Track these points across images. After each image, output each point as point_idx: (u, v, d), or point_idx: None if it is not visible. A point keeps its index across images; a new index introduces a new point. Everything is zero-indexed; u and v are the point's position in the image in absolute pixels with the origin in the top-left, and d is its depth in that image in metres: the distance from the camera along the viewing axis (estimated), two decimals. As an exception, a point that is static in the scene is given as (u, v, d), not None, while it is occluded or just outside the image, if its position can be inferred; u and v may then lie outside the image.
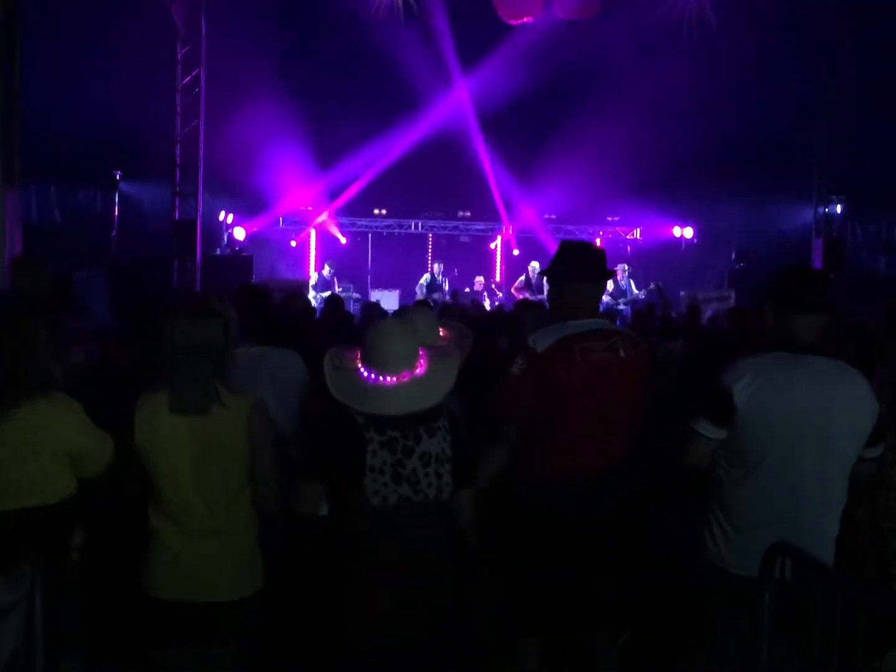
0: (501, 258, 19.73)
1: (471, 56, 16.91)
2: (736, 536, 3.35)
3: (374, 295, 16.64)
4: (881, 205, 17.39)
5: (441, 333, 4.14)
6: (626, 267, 16.33)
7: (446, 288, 16.75)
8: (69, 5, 14.38)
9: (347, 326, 8.16)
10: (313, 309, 11.03)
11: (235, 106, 15.95)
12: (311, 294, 15.49)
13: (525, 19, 15.99)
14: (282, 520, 3.46)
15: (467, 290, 16.69)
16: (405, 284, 17.41)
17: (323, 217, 18.29)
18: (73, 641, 3.36)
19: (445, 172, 17.52)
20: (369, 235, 19.01)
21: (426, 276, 16.85)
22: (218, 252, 16.34)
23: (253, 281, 13.42)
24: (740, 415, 3.27)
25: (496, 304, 16.01)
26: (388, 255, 18.88)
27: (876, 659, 2.92)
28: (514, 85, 16.93)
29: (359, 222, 19.01)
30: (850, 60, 15.69)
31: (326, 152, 17.21)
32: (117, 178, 13.51)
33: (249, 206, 17.66)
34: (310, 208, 18.57)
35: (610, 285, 15.52)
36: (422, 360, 3.21)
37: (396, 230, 19.19)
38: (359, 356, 3.22)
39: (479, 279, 17.30)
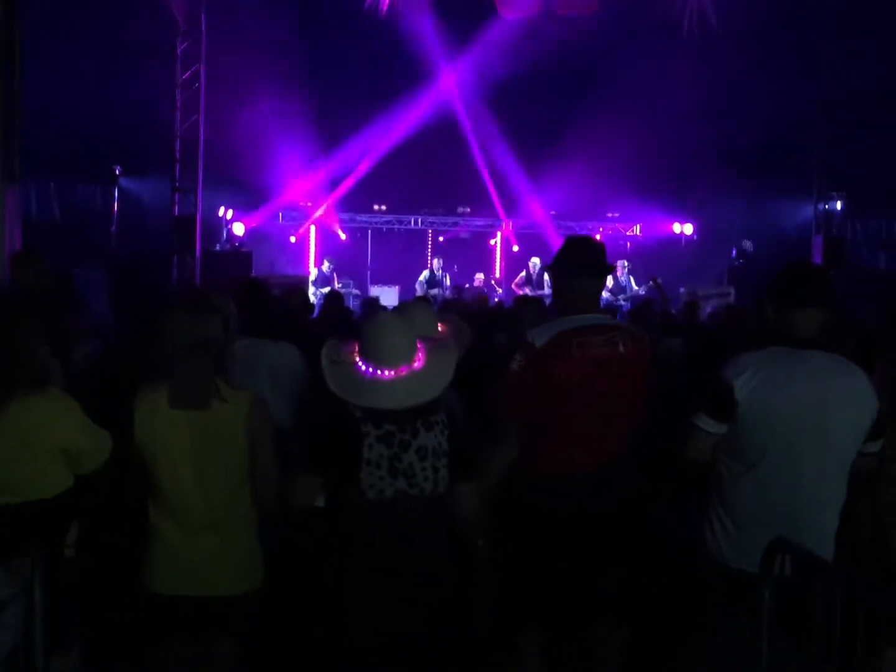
0: (501, 254, 19.72)
1: (470, 53, 16.87)
2: (736, 531, 3.35)
3: (374, 291, 16.63)
4: (881, 202, 17.38)
5: (439, 328, 4.14)
6: (626, 263, 16.33)
7: (447, 283, 16.74)
8: (69, 2, 14.37)
9: (347, 322, 8.15)
10: (312, 305, 11.03)
11: (235, 101, 15.93)
12: (311, 290, 15.48)
13: (525, 16, 15.95)
14: (281, 514, 3.46)
15: (467, 285, 16.65)
16: (405, 280, 17.40)
17: (321, 211, 18.26)
18: (71, 637, 3.35)
19: (445, 169, 17.50)
20: (369, 231, 18.99)
21: (425, 273, 16.84)
22: (217, 248, 16.33)
23: (252, 277, 13.39)
24: (741, 410, 3.27)
25: (496, 300, 16.00)
26: (387, 251, 18.86)
27: (875, 657, 2.92)
28: (514, 82, 16.92)
29: (358, 218, 18.99)
30: (850, 58, 15.67)
31: (326, 148, 17.20)
32: (117, 173, 13.51)
33: (249, 202, 17.65)
34: (309, 204, 18.55)
35: (610, 281, 15.51)
36: (420, 354, 3.21)
37: (396, 226, 19.17)
38: (356, 350, 3.21)
39: (479, 276, 17.29)
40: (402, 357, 3.16)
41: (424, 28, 16.54)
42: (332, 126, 17.13)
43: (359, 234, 19.15)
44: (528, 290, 15.56)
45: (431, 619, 3.20)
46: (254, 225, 17.55)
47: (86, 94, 15.26)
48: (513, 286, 16.46)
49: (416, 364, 3.18)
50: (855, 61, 15.61)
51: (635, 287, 15.83)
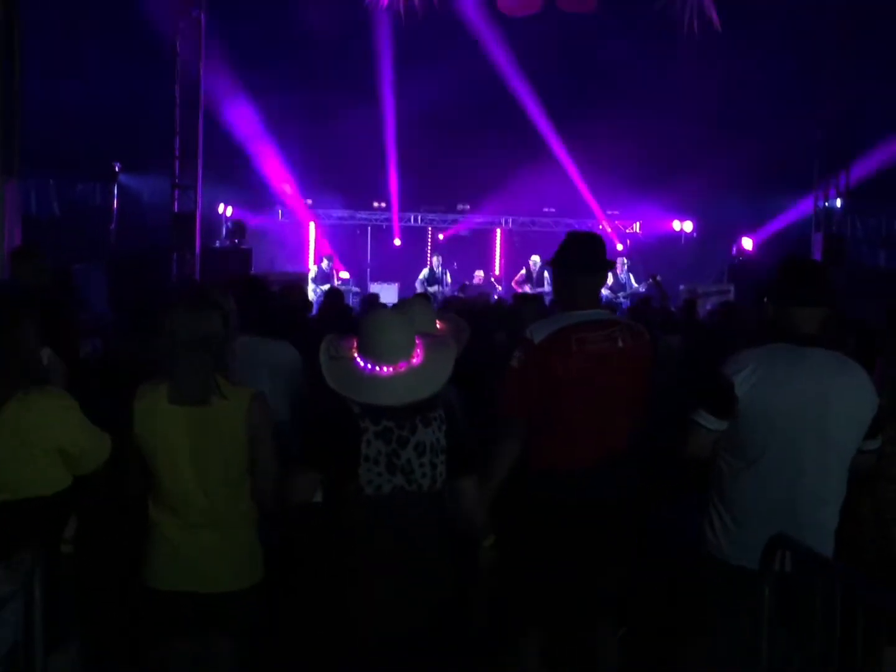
0: (501, 252, 19.72)
1: (470, 51, 16.85)
2: (736, 528, 3.35)
3: (374, 288, 16.63)
4: (881, 199, 17.38)
5: (438, 326, 4.14)
6: (626, 260, 16.32)
7: (448, 280, 16.74)
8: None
9: (347, 319, 8.15)
10: (310, 302, 11.04)
11: (235, 97, 15.93)
12: (311, 287, 15.49)
13: (525, 12, 15.94)
14: (280, 510, 3.46)
15: (467, 282, 16.64)
16: (404, 277, 17.40)
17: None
18: (70, 635, 3.35)
19: (445, 166, 17.48)
20: (368, 228, 18.99)
21: (425, 271, 16.84)
22: (217, 244, 16.32)
23: (252, 273, 13.39)
24: (741, 406, 3.27)
25: (495, 297, 16.00)
26: (387, 248, 18.86)
27: (875, 654, 2.92)
28: (513, 78, 16.92)
29: (358, 215, 18.99)
30: (850, 55, 15.65)
31: (326, 144, 17.17)
32: (116, 170, 13.49)
33: (249, 199, 17.65)
34: (309, 201, 18.55)
35: (609, 279, 15.52)
36: (418, 351, 3.20)
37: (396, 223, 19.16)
38: (355, 346, 3.21)
39: (479, 273, 17.28)
40: (401, 353, 3.15)
41: (424, 23, 16.51)
42: (332, 122, 17.10)
43: (358, 231, 19.15)
44: (528, 288, 15.56)
45: (430, 617, 3.20)
46: (254, 222, 17.54)
47: (85, 90, 15.28)
48: (513, 284, 16.46)
49: (414, 360, 3.17)
50: (855, 56, 15.58)
51: (635, 284, 15.83)
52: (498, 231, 19.63)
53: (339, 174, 17.87)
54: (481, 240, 19.79)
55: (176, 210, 14.98)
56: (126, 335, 5.21)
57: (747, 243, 17.08)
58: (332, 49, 16.89)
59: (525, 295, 9.65)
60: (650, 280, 14.22)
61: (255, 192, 17.72)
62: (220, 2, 15.08)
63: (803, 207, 17.38)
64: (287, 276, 14.46)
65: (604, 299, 13.44)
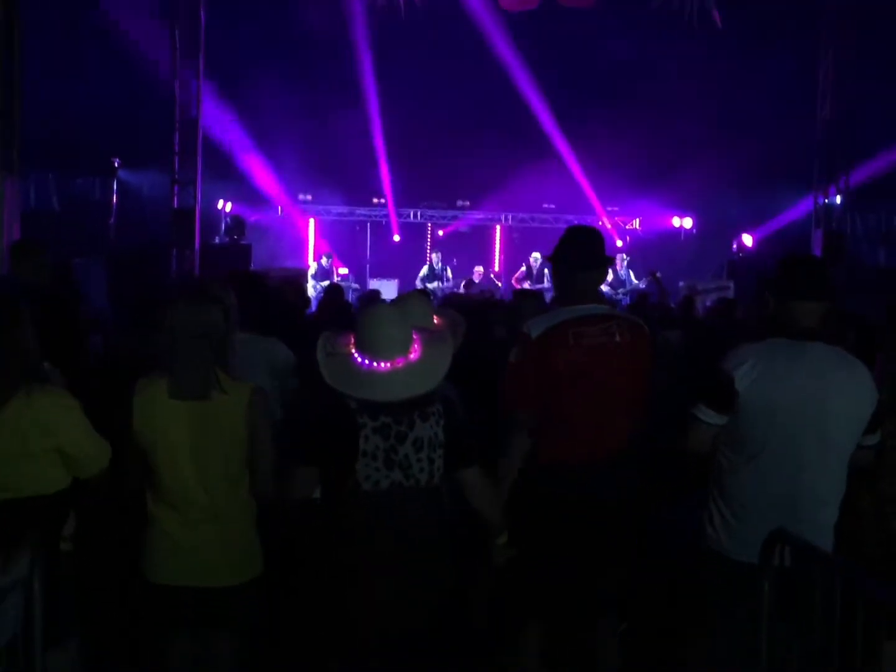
0: (500, 248, 19.71)
1: (470, 47, 16.83)
2: (736, 523, 3.36)
3: (373, 284, 16.63)
4: (881, 196, 17.37)
5: (435, 321, 4.13)
6: (626, 257, 16.32)
7: (449, 275, 16.74)
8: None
9: (346, 316, 8.15)
10: (308, 299, 11.04)
11: (234, 93, 15.92)
12: (311, 283, 15.49)
13: (525, 8, 15.91)
14: (279, 506, 3.46)
15: (473, 279, 16.62)
16: (404, 274, 17.40)
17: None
18: (69, 633, 3.35)
19: (445, 162, 17.47)
20: (368, 224, 18.98)
21: (425, 268, 16.85)
22: (217, 240, 16.31)
23: (251, 269, 13.37)
24: (741, 401, 3.28)
25: (498, 296, 15.99)
26: (386, 244, 18.85)
27: (875, 649, 2.92)
28: (514, 75, 16.91)
29: (357, 211, 18.98)
30: (850, 51, 15.65)
31: (325, 141, 17.16)
32: (116, 165, 13.47)
33: (248, 195, 17.64)
34: (309, 197, 18.54)
35: (609, 275, 15.51)
36: (415, 346, 3.20)
37: (396, 219, 19.13)
38: (352, 342, 3.21)
39: (479, 269, 17.28)
40: (398, 349, 3.15)
41: (424, 19, 16.51)
42: (332, 120, 17.10)
43: (357, 228, 19.14)
44: (527, 285, 15.56)
45: (429, 615, 3.20)
46: (253, 218, 17.54)
47: (85, 86, 15.25)
48: (513, 281, 16.46)
49: (412, 356, 3.17)
50: (855, 53, 15.58)
51: (635, 281, 15.83)
52: (497, 227, 19.61)
53: (338, 171, 17.87)
54: (481, 236, 19.78)
55: (175, 206, 14.97)
56: (126, 330, 5.22)
57: (747, 240, 17.07)
58: (331, 46, 16.87)
59: (524, 291, 9.67)
60: (650, 277, 14.22)
61: (254, 189, 17.71)
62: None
63: (803, 204, 17.37)
64: (287, 272, 14.45)
65: (606, 296, 13.46)
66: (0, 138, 9.18)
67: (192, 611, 3.37)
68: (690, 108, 16.22)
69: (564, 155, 17.93)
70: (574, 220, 18.47)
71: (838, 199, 16.48)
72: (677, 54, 16.12)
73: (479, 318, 5.76)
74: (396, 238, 18.83)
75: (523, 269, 16.52)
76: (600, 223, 18.89)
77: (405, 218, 19.13)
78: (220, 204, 16.86)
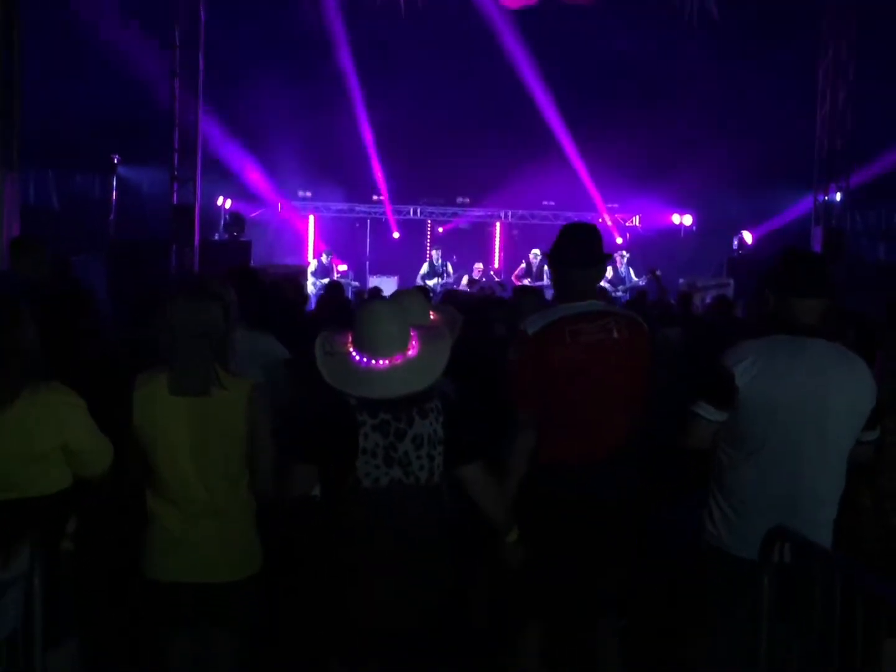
0: (500, 245, 19.71)
1: (470, 44, 16.83)
2: (736, 519, 3.36)
3: (373, 281, 16.63)
4: (881, 193, 17.38)
5: (432, 317, 4.12)
6: (625, 254, 16.31)
7: (450, 271, 16.73)
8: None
9: (346, 313, 8.14)
10: (307, 296, 11.03)
11: (234, 90, 15.91)
12: (311, 280, 15.49)
13: (525, 5, 15.90)
14: (278, 503, 3.46)
15: (479, 277, 16.61)
16: (404, 271, 17.40)
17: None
18: (69, 633, 3.35)
19: (444, 159, 17.47)
20: (368, 221, 18.98)
21: (425, 266, 16.85)
22: (216, 237, 16.31)
23: (251, 266, 13.37)
24: (741, 397, 3.28)
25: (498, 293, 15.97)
26: (386, 241, 18.85)
27: (875, 646, 2.92)
28: (514, 73, 16.90)
29: (357, 208, 18.98)
30: (851, 50, 15.64)
31: (325, 138, 17.16)
32: (115, 162, 13.47)
33: (248, 192, 17.64)
34: (308, 194, 18.54)
35: (609, 272, 15.51)
36: (413, 342, 3.20)
37: (395, 217, 19.14)
38: (350, 340, 3.21)
39: (478, 265, 17.28)
40: (396, 346, 3.14)
41: (423, 16, 16.49)
42: (331, 116, 17.10)
43: (357, 224, 19.13)
44: (527, 282, 15.55)
45: (428, 611, 3.20)
46: (253, 215, 17.54)
47: (84, 82, 15.25)
48: (513, 278, 16.45)
49: (410, 352, 3.16)
50: (855, 51, 15.57)
51: (634, 278, 15.82)
52: (497, 224, 19.62)
53: (337, 167, 17.88)
54: (481, 233, 19.79)
55: (175, 202, 14.97)
56: (125, 327, 5.21)
57: (747, 237, 17.07)
58: (331, 43, 16.88)
59: (524, 287, 9.66)
60: (649, 275, 14.22)
61: (253, 185, 17.71)
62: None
63: (803, 202, 17.37)
64: (287, 268, 14.45)
65: (608, 293, 13.48)
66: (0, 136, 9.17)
67: (192, 608, 3.37)
68: (691, 106, 16.22)
69: (565, 152, 17.93)
70: (574, 217, 18.46)
71: (838, 197, 16.47)
72: (678, 52, 16.13)
73: (478, 315, 5.77)
74: (396, 235, 18.83)
75: (523, 265, 16.51)
76: (600, 220, 18.90)
77: (405, 215, 19.13)
78: (220, 200, 16.85)
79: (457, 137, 17.13)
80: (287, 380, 4.47)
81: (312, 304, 11.55)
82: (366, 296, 13.58)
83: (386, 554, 3.13)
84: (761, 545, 2.96)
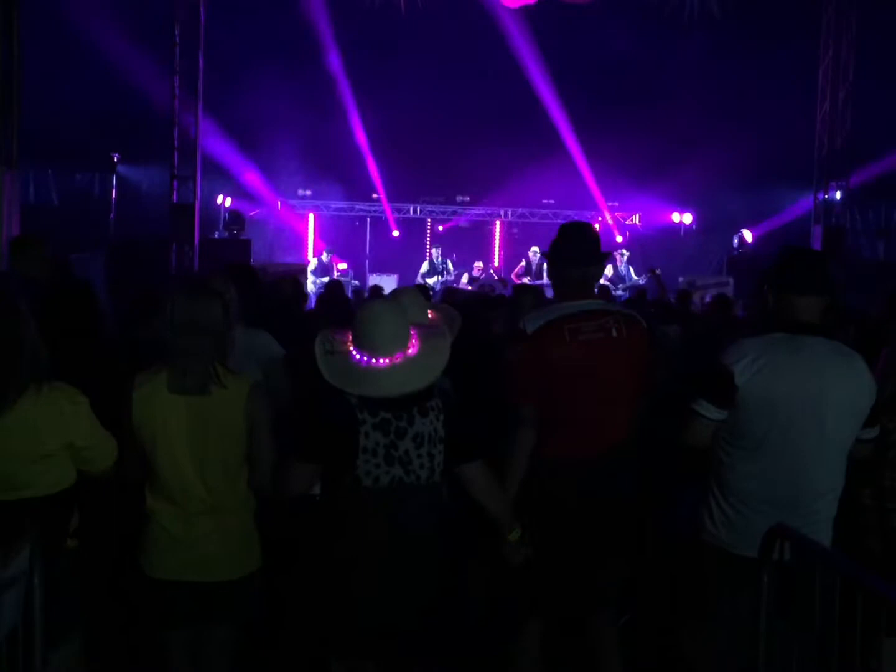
0: (500, 243, 19.72)
1: (471, 43, 16.83)
2: (735, 516, 3.36)
3: (373, 280, 16.63)
4: (880, 191, 17.39)
5: (430, 315, 4.12)
6: (626, 253, 16.31)
7: (450, 268, 16.73)
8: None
9: (346, 312, 8.14)
10: (305, 294, 11.02)
11: (234, 89, 15.91)
12: (311, 279, 15.48)
13: (525, 3, 15.91)
14: (278, 501, 3.46)
15: (481, 276, 16.62)
16: (404, 269, 17.40)
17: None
18: (73, 629, 3.35)
19: (444, 157, 17.48)
20: (367, 220, 18.98)
21: (425, 264, 16.85)
22: (216, 235, 16.32)
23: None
24: (741, 396, 3.27)
25: (497, 291, 15.96)
26: (386, 239, 18.86)
27: (874, 644, 2.93)
28: (514, 71, 16.91)
29: (357, 206, 18.98)
30: (851, 48, 15.65)
31: (325, 136, 17.16)
32: (115, 160, 13.48)
33: (247, 191, 17.64)
34: (308, 192, 18.54)
35: (609, 271, 15.53)
36: (414, 341, 3.19)
37: (395, 215, 19.15)
38: (350, 339, 3.20)
39: (478, 264, 17.28)
40: (397, 344, 3.14)
41: (423, 15, 16.51)
42: (331, 115, 17.10)
43: (357, 223, 19.14)
44: (527, 280, 15.54)
45: (426, 609, 3.20)
46: (252, 213, 17.55)
47: (84, 81, 15.25)
48: (512, 276, 16.44)
49: (410, 351, 3.16)
50: (855, 50, 15.58)
51: (634, 277, 15.81)
52: (497, 223, 19.63)
53: (337, 166, 17.88)
54: (481, 232, 19.80)
55: (175, 201, 14.97)
56: (125, 325, 5.21)
57: (747, 236, 17.08)
58: (331, 41, 16.88)
59: (524, 286, 9.66)
60: (649, 274, 14.23)
61: (253, 184, 17.71)
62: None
63: (803, 200, 17.38)
64: (287, 267, 14.46)
65: (610, 291, 13.49)
66: (-1, 133, 9.19)
67: (191, 606, 3.37)
68: (691, 104, 16.22)
69: (565, 150, 17.94)
70: (574, 215, 18.47)
71: (838, 195, 16.49)
72: (678, 51, 16.13)
73: (476, 314, 5.77)
74: (395, 234, 18.84)
75: (522, 264, 16.51)
76: (601, 219, 18.91)
77: (405, 213, 19.14)
78: (220, 199, 16.86)
79: (457, 136, 17.14)
80: (284, 378, 4.47)
81: (312, 302, 11.55)
82: (366, 294, 13.61)
83: (385, 552, 3.12)
84: (761, 543, 2.96)
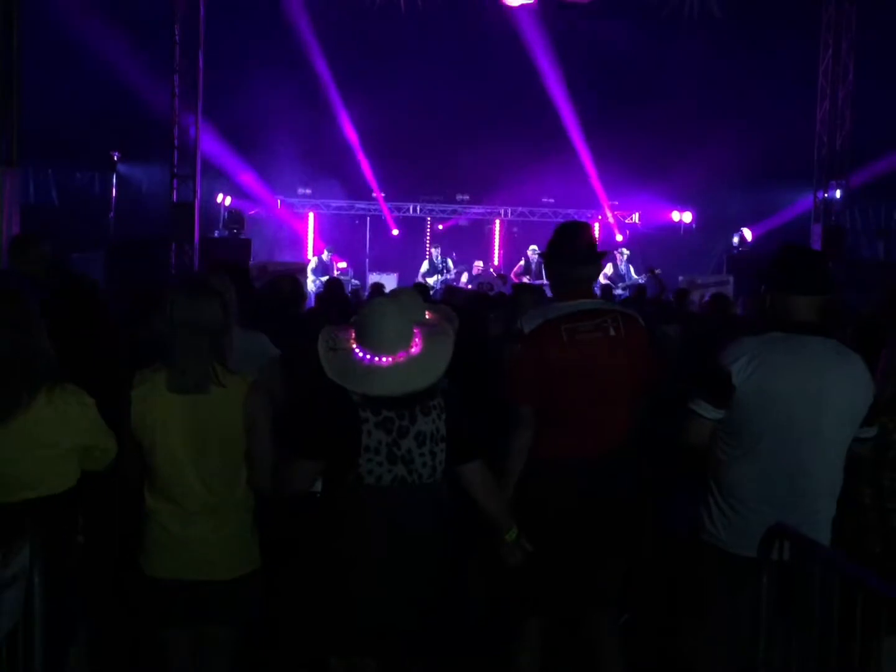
0: (500, 242, 19.71)
1: (471, 42, 16.83)
2: (733, 516, 3.36)
3: (373, 278, 16.62)
4: (880, 191, 17.39)
5: (427, 315, 4.11)
6: (625, 251, 16.31)
7: (450, 266, 16.72)
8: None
9: (345, 311, 8.14)
10: (304, 294, 11.01)
11: (234, 87, 15.91)
12: (311, 278, 15.48)
13: (524, 2, 15.90)
14: (277, 500, 3.46)
15: (480, 275, 16.60)
16: (403, 268, 17.40)
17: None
18: (79, 625, 3.35)
19: (444, 156, 17.47)
20: (367, 219, 18.97)
21: (425, 263, 16.84)
22: (216, 234, 16.31)
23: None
24: (739, 395, 3.27)
25: (496, 290, 15.96)
26: (386, 238, 18.85)
27: (873, 644, 2.93)
28: (514, 70, 16.90)
29: (357, 205, 18.98)
30: (851, 48, 15.65)
31: (325, 135, 17.16)
32: (115, 159, 13.48)
33: (247, 190, 17.64)
34: (308, 191, 18.53)
35: (609, 269, 15.53)
36: (417, 339, 3.19)
37: (394, 214, 19.14)
38: (353, 336, 3.20)
39: (478, 263, 17.28)
40: (400, 343, 3.14)
41: (423, 13, 16.51)
42: (331, 114, 17.10)
43: (357, 222, 19.13)
44: (527, 279, 15.54)
45: (425, 609, 3.20)
46: (252, 212, 17.54)
47: (84, 80, 15.26)
48: (511, 275, 16.44)
49: (413, 349, 3.15)
50: (855, 49, 15.59)
51: (634, 275, 15.81)
52: (497, 222, 19.62)
53: (337, 165, 17.88)
54: (480, 230, 19.80)
55: (175, 200, 14.96)
56: (125, 325, 5.20)
57: (747, 234, 17.08)
58: (331, 39, 16.87)
59: (524, 285, 9.65)
60: (649, 273, 14.24)
61: (252, 183, 17.71)
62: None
63: (803, 199, 17.38)
64: (287, 266, 14.45)
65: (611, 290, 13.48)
66: (-1, 132, 9.19)
67: (190, 605, 3.36)
68: (691, 103, 16.23)
69: (565, 149, 17.93)
70: (574, 214, 18.48)
71: (838, 194, 16.49)
72: (678, 50, 16.12)
73: (477, 313, 5.77)
74: (395, 232, 18.83)
75: (522, 262, 16.50)
76: (600, 217, 18.91)
77: (404, 212, 19.13)
78: (220, 198, 16.85)
79: (457, 135, 17.13)
80: (279, 377, 4.46)
81: (312, 301, 11.54)
82: (364, 293, 13.61)
83: (386, 551, 3.12)
84: (760, 543, 2.96)
